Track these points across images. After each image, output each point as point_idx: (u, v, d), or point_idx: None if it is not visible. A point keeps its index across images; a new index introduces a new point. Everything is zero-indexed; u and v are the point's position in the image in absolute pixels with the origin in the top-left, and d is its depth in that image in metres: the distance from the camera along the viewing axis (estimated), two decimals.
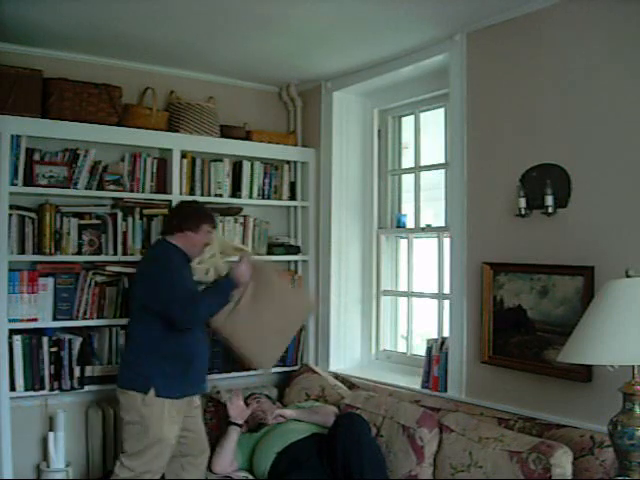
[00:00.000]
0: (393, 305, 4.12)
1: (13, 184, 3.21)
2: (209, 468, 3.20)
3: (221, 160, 3.90)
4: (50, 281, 3.32)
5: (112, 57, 3.67)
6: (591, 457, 2.45)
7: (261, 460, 3.17)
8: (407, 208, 4.05)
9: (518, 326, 2.92)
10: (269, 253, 4.05)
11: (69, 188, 3.38)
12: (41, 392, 3.29)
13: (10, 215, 3.19)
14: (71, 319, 3.37)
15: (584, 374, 2.63)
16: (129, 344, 3.12)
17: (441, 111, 3.73)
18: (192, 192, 3.77)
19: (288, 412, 3.37)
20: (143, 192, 3.63)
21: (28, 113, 3.24)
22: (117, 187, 3.53)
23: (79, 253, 3.41)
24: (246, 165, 3.97)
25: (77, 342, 3.36)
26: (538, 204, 2.82)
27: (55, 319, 3.33)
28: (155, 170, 3.68)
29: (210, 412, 3.55)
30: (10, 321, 3.17)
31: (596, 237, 2.65)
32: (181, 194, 3.69)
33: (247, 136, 4.01)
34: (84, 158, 3.43)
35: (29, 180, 3.28)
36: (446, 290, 3.45)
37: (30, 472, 3.35)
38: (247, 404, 3.41)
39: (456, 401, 3.16)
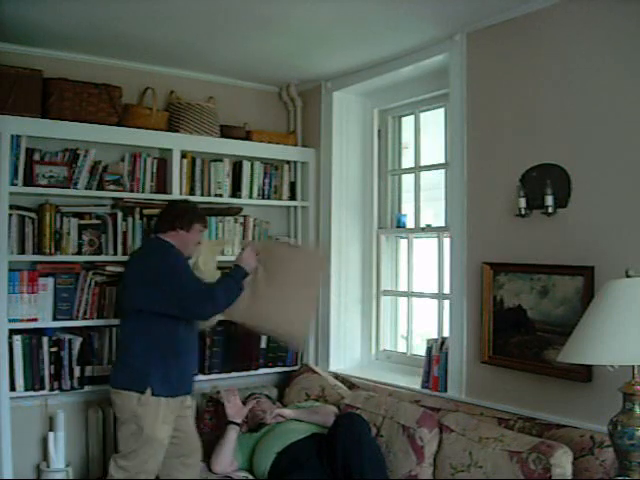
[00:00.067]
0: (393, 305, 4.12)
1: (13, 184, 3.21)
2: (209, 468, 3.20)
3: (221, 160, 3.90)
4: (50, 281, 3.32)
5: (112, 57, 3.67)
6: (591, 457, 2.45)
7: (261, 460, 3.17)
8: (407, 208, 4.04)
9: (518, 326, 2.92)
10: None
11: (69, 188, 3.38)
12: (41, 392, 3.29)
13: (10, 215, 3.19)
14: (71, 319, 3.37)
15: (584, 374, 2.63)
16: (124, 344, 3.05)
17: (441, 111, 3.73)
18: (192, 192, 3.77)
19: (287, 412, 3.37)
20: (143, 192, 3.63)
21: (28, 113, 3.24)
22: (117, 187, 3.53)
23: (79, 253, 3.41)
24: (246, 165, 3.97)
25: (77, 342, 3.36)
26: (538, 204, 2.82)
27: (55, 319, 3.33)
28: (155, 170, 3.68)
29: (210, 412, 3.55)
30: (10, 321, 3.17)
31: (596, 237, 2.65)
32: (181, 194, 3.69)
33: (247, 136, 4.01)
34: (84, 158, 3.43)
35: (29, 180, 3.28)
36: (446, 290, 3.45)
37: (30, 472, 3.35)
38: (245, 403, 3.41)
39: (456, 401, 3.16)
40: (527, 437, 2.64)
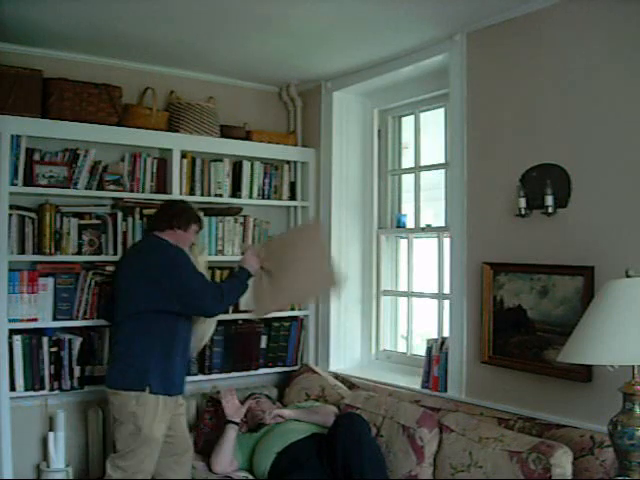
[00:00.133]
0: (393, 305, 4.12)
1: (13, 184, 3.21)
2: (209, 468, 3.20)
3: (221, 160, 3.90)
4: (50, 281, 3.32)
5: (112, 57, 3.68)
6: (591, 457, 2.45)
7: (261, 460, 3.17)
8: (407, 208, 4.05)
9: (518, 326, 2.92)
10: None
11: (69, 188, 3.38)
12: (41, 392, 3.29)
13: (10, 215, 3.19)
14: (71, 319, 3.37)
15: (584, 374, 2.63)
16: (122, 344, 2.99)
17: (441, 111, 3.73)
18: (192, 192, 3.77)
19: (287, 412, 3.37)
20: (143, 192, 3.63)
21: (28, 113, 3.24)
22: (117, 187, 3.53)
23: (79, 253, 3.41)
24: (246, 165, 3.97)
25: (77, 342, 3.36)
26: (538, 204, 2.82)
27: (55, 319, 3.33)
28: (155, 170, 3.68)
29: (210, 412, 3.54)
30: (10, 321, 3.18)
31: (596, 237, 2.65)
32: (181, 194, 3.69)
33: (247, 136, 4.01)
34: (84, 158, 3.43)
35: (29, 180, 3.28)
36: (446, 290, 3.45)
37: (30, 472, 3.35)
38: (243, 403, 3.41)
39: (456, 401, 3.16)
40: (527, 437, 2.64)
